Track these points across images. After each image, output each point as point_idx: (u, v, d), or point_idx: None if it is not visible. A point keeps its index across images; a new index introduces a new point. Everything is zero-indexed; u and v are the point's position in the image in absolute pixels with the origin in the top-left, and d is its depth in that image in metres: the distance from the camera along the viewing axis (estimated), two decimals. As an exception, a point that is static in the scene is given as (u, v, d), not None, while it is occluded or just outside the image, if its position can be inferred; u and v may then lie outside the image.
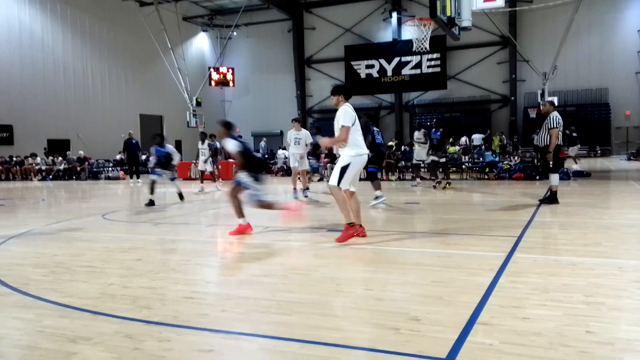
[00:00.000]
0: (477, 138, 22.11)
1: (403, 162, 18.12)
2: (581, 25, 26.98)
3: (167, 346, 3.04)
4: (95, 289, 4.33)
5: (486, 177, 16.40)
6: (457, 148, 20.09)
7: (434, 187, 13.11)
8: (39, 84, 27.00)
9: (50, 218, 9.19)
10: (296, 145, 11.70)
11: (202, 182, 15.44)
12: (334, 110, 6.25)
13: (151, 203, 10.94)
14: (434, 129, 13.37)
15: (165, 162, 11.51)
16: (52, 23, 28.03)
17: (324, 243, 6.18)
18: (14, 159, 24.60)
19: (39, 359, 2.91)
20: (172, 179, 11.92)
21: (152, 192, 11.22)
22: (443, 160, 13.57)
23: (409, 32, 27.48)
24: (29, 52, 26.78)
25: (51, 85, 27.63)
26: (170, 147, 11.83)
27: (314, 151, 12.98)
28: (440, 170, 13.89)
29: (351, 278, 4.54)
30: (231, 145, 6.79)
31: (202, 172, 15.64)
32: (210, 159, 15.33)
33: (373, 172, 10.14)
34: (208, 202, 12.25)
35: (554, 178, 9.33)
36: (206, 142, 15.33)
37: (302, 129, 11.84)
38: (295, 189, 11.99)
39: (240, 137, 7.68)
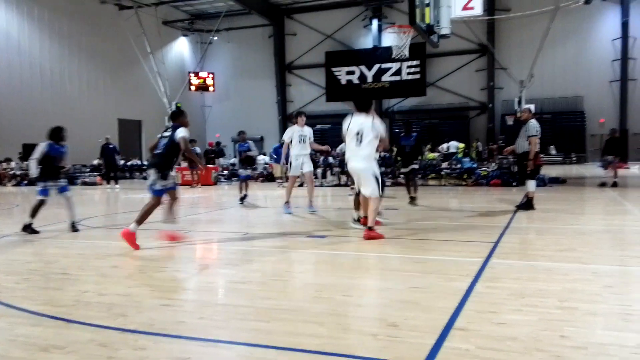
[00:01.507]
0: (453, 146, 22.25)
1: (382, 169, 18.20)
2: (557, 34, 27.49)
3: (143, 354, 2.99)
4: (70, 296, 4.25)
5: (464, 183, 16.57)
6: (436, 155, 20.27)
7: (410, 202, 10.77)
8: (14, 87, 26.50)
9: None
10: (301, 144, 9.79)
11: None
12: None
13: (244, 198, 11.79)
14: (403, 135, 11.24)
15: (246, 158, 11.85)
16: (29, 26, 27.57)
17: (303, 249, 6.17)
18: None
19: (10, 369, 2.85)
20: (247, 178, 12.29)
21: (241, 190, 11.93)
22: (413, 167, 11.08)
23: (389, 39, 27.74)
24: (5, 55, 26.28)
25: (27, 88, 27.15)
26: (250, 143, 11.97)
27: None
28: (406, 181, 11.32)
29: (330, 284, 4.54)
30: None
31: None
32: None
33: None
34: (186, 207, 12.14)
35: (531, 184, 9.47)
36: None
37: (306, 126, 9.95)
38: (288, 202, 10.11)
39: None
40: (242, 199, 12.01)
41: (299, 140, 9.79)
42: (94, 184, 22.73)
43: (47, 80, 28.29)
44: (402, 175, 12.58)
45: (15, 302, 4.08)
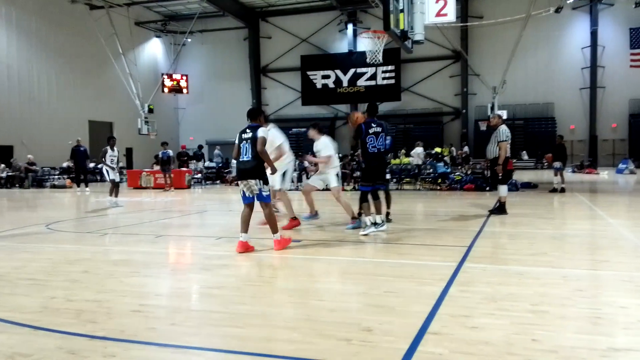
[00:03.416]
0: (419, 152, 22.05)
1: (358, 173, 18.27)
2: (529, 42, 28.07)
3: (112, 362, 2.92)
4: (37, 302, 4.13)
5: (438, 187, 16.74)
6: (411, 159, 20.41)
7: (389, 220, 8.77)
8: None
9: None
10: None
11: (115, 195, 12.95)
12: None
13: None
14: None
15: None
16: (-4, 24, 26.87)
17: (277, 254, 6.13)
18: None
19: (-28, 379, 2.75)
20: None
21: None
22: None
23: (364, 43, 27.88)
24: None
25: (-8, 88, 26.43)
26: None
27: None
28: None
29: (304, 289, 4.52)
30: None
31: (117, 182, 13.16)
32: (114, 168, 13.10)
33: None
34: (159, 212, 11.96)
35: (503, 189, 9.62)
36: (115, 149, 13.21)
37: (322, 136, 8.69)
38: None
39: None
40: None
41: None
42: (63, 186, 22.23)
43: (15, 81, 27.59)
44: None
45: (-21, 309, 3.95)
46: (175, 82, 35.50)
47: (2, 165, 23.79)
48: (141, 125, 26.91)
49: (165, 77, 34.85)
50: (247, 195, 6.24)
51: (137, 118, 27.15)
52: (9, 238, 7.76)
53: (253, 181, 6.11)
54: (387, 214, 8.85)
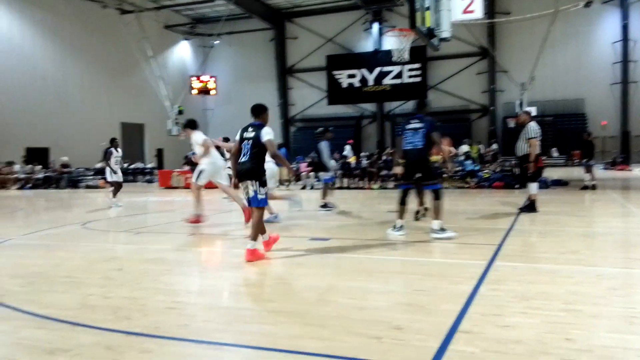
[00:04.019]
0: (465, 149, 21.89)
1: (385, 172, 18.22)
2: (558, 37, 27.53)
3: (148, 357, 3.00)
4: (75, 299, 4.26)
5: (466, 185, 16.56)
6: (439, 157, 20.20)
7: (417, 218, 9.00)
8: (17, 91, 26.57)
9: (28, 227, 9.04)
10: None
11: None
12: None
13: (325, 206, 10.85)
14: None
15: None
16: (31, 31, 27.67)
17: (306, 252, 6.17)
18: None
19: (16, 372, 2.86)
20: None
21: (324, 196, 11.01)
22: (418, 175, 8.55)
23: (390, 42, 27.74)
24: (7, 59, 26.36)
25: (30, 93, 27.22)
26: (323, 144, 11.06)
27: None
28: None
29: (333, 287, 4.54)
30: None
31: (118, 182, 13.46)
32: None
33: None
34: (189, 211, 12.13)
35: (533, 187, 9.47)
36: (119, 150, 13.47)
37: (194, 132, 9.09)
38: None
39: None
40: (324, 206, 10.95)
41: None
42: (97, 187, 22.77)
43: (50, 85, 28.36)
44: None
45: (20, 305, 4.09)
46: (203, 84, 35.94)
47: (40, 167, 24.48)
48: (171, 126, 27.37)
49: (194, 79, 35.32)
50: (246, 197, 5.91)
51: (167, 119, 27.63)
52: (47, 237, 8.00)
53: (250, 182, 5.76)
54: (425, 209, 9.03)
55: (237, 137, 5.96)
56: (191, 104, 35.27)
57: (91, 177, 24.57)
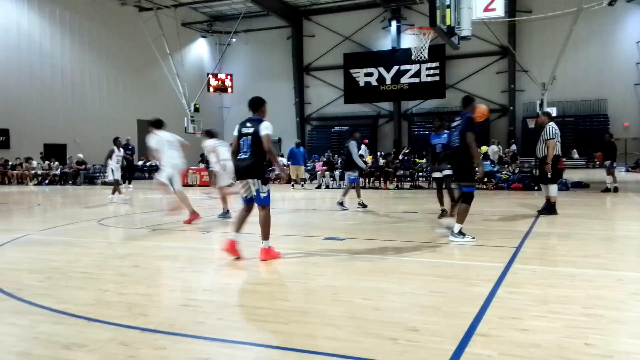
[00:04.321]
0: (495, 150, 21.48)
1: (401, 171, 18.12)
2: (580, 36, 27.08)
3: (163, 354, 3.00)
4: (91, 295, 4.29)
5: (484, 187, 16.39)
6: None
7: (441, 216, 9.00)
8: (36, 88, 26.95)
9: (46, 223, 9.14)
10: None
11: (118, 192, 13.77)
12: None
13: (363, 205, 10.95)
14: (433, 132, 9.58)
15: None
16: (50, 27, 28.02)
17: (321, 252, 6.15)
18: (10, 163, 24.50)
19: (32, 366, 2.87)
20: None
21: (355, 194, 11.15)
22: (447, 172, 8.89)
23: (408, 40, 27.60)
24: (27, 56, 26.73)
25: (48, 89, 27.59)
26: (352, 143, 11.05)
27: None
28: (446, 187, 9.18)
29: (348, 287, 4.51)
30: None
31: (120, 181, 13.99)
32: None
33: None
34: (203, 209, 12.19)
35: (553, 189, 9.33)
36: (121, 149, 14.00)
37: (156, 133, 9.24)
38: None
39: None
40: (361, 204, 11.05)
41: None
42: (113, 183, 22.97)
43: (68, 82, 28.71)
44: (432, 180, 11.00)
45: (37, 300, 4.13)
46: (220, 82, 36.09)
47: (57, 163, 24.79)
48: (187, 124, 27.55)
49: (211, 76, 35.49)
50: (245, 196, 5.69)
51: (184, 117, 27.80)
52: (64, 233, 8.09)
53: (251, 181, 5.55)
54: (443, 211, 9.04)
55: (235, 133, 5.72)
56: (208, 101, 35.45)
57: (107, 173, 24.78)
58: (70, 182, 23.78)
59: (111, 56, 30.79)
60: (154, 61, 27.86)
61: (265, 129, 5.53)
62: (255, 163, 5.52)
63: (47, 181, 23.66)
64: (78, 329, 3.45)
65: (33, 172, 24.08)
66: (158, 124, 9.14)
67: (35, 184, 23.31)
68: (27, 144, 25.89)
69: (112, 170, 13.58)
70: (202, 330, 3.41)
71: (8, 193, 18.41)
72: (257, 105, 5.80)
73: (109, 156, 13.53)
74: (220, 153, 10.06)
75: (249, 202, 5.71)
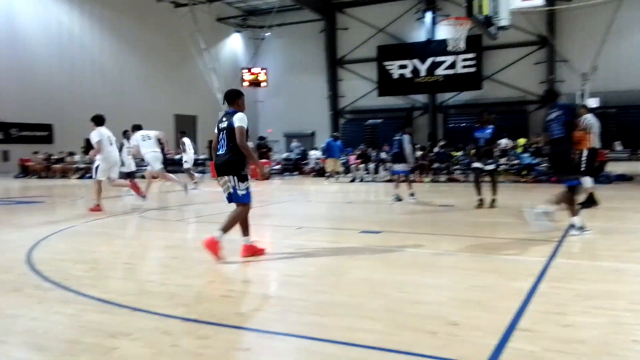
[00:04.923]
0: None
1: (437, 164, 17.91)
2: (623, 24, 26.10)
3: (205, 343, 3.06)
4: (134, 285, 4.41)
5: (523, 180, 16.04)
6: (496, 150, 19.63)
7: (478, 206, 9.41)
8: (77, 83, 27.73)
9: (89, 215, 9.42)
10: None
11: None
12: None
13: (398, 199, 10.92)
14: (478, 126, 9.65)
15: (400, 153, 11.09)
16: (89, 24, 28.75)
17: (357, 244, 6.15)
18: (54, 157, 25.31)
19: (81, 353, 2.97)
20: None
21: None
22: (491, 167, 9.65)
23: (444, 31, 27.11)
24: (68, 52, 27.51)
25: (89, 85, 28.34)
26: (405, 137, 11.11)
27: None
28: (486, 181, 9.88)
29: (385, 280, 4.49)
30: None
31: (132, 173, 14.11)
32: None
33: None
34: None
35: (586, 180, 9.01)
36: (131, 141, 13.85)
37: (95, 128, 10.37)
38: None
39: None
40: (411, 195, 11.11)
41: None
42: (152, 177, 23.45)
43: (108, 78, 29.42)
44: (471, 171, 10.85)
45: (83, 289, 4.26)
46: (254, 76, 36.34)
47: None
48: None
49: (245, 71, 35.77)
50: (226, 194, 5.35)
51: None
52: (107, 224, 8.33)
53: (227, 177, 5.23)
54: (494, 200, 9.47)
55: (215, 130, 5.40)
56: (243, 96, 35.74)
57: (145, 167, 25.33)
58: (110, 175, 24.38)
59: (148, 52, 31.39)
60: (189, 57, 28.28)
61: (239, 120, 5.16)
62: (231, 159, 5.18)
63: (89, 175, 24.34)
64: (123, 318, 3.56)
65: (75, 166, 24.82)
66: (97, 120, 10.42)
67: (77, 178, 24.02)
68: (69, 139, 26.70)
69: (123, 163, 13.80)
70: (242, 321, 3.47)
71: (52, 186, 19.04)
72: (232, 97, 5.43)
73: (120, 149, 13.87)
74: (141, 146, 12.36)
75: (230, 201, 5.37)
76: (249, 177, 5.34)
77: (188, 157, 16.46)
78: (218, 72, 27.98)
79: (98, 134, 10.11)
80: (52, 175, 24.64)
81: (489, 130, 9.42)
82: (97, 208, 9.79)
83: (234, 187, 5.21)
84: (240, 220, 5.35)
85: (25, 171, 25.01)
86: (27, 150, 25.40)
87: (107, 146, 10.14)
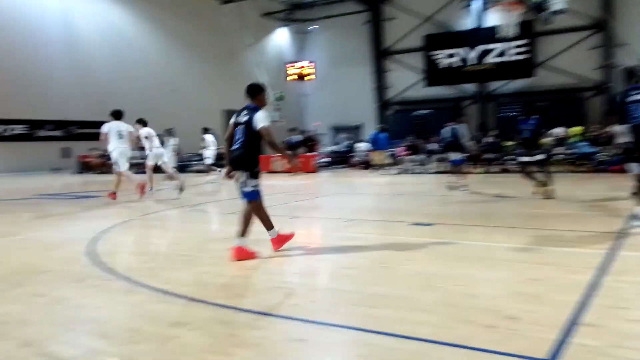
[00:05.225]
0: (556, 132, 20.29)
1: (489, 155, 17.50)
2: (687, 3, 24.68)
3: (262, 334, 3.12)
4: (190, 276, 4.53)
5: (581, 169, 15.43)
6: (549, 139, 18.97)
7: (538, 188, 9.31)
8: (128, 81, 28.65)
9: (146, 209, 9.74)
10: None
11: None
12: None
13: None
14: (522, 118, 9.62)
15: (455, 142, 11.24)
16: (140, 23, 29.63)
17: (409, 237, 6.10)
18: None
19: (143, 342, 3.08)
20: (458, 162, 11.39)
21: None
22: (540, 157, 9.46)
23: (493, 18, 26.40)
24: (121, 52, 28.45)
25: (140, 82, 29.20)
26: (458, 127, 11.27)
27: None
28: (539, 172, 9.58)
29: (438, 273, 4.44)
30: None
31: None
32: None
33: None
34: (289, 194, 12.46)
35: (633, 167, 8.50)
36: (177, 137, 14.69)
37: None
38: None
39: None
40: (453, 186, 11.21)
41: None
42: (205, 171, 24.03)
43: (158, 75, 30.22)
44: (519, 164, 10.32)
45: (144, 280, 4.41)
46: (301, 70, 36.49)
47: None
48: (271, 112, 28.20)
49: (291, 65, 35.96)
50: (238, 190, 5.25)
51: (268, 106, 28.47)
52: (163, 218, 8.60)
53: (239, 173, 5.14)
54: (547, 187, 9.19)
55: (231, 122, 5.35)
56: (288, 89, 35.98)
57: (199, 161, 25.93)
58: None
59: (196, 49, 32.03)
60: (236, 52, 28.69)
61: (262, 120, 5.09)
62: (244, 154, 5.12)
63: (142, 170, 25.16)
64: (181, 308, 3.67)
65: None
66: (116, 115, 11.03)
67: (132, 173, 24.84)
68: (123, 136, 27.63)
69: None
70: (296, 312, 3.51)
71: (108, 182, 19.75)
72: (254, 92, 5.39)
73: (162, 145, 14.46)
74: (155, 140, 12.90)
75: (254, 197, 5.26)
76: (259, 175, 5.24)
77: (210, 153, 17.08)
78: (264, 67, 28.26)
79: (107, 127, 10.76)
80: (107, 170, 25.60)
81: (532, 121, 9.32)
82: (112, 195, 10.60)
83: (242, 183, 5.15)
84: (259, 216, 5.27)
85: (84, 167, 26.12)
86: (87, 147, 26.48)
87: (116, 139, 10.70)
